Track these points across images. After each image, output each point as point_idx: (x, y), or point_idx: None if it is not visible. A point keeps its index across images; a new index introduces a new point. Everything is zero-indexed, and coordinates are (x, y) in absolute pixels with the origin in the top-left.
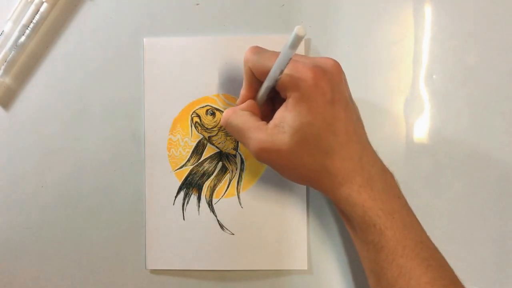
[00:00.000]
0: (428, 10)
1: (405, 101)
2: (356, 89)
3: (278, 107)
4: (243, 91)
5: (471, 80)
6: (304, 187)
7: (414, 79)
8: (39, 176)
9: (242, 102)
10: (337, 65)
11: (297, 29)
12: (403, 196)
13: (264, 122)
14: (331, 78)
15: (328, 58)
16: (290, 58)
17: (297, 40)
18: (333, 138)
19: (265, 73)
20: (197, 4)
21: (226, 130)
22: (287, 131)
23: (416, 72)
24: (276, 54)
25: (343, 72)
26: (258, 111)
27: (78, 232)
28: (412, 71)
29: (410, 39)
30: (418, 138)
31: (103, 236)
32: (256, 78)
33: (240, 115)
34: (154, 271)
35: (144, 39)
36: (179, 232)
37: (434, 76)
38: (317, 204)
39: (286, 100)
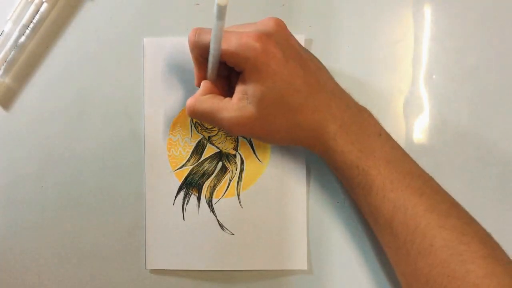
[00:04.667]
0: (428, 10)
1: (405, 101)
2: (356, 89)
3: (234, 79)
4: (195, 73)
5: (471, 80)
6: (304, 187)
7: (414, 79)
8: (39, 176)
9: (198, 82)
10: (279, 23)
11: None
12: (385, 132)
13: (228, 99)
14: (277, 38)
15: (269, 18)
16: (223, 30)
17: (220, 10)
18: (297, 94)
19: (207, 51)
20: (197, 4)
21: (194, 118)
22: (251, 101)
23: (416, 72)
24: None
25: (286, 27)
26: (215, 90)
27: (78, 232)
28: (412, 71)
29: (410, 39)
30: (418, 138)
31: (103, 236)
32: (203, 58)
33: (203, 101)
34: (154, 271)
35: (144, 39)
36: (179, 232)
37: (434, 76)
38: (317, 205)
39: (242, 73)
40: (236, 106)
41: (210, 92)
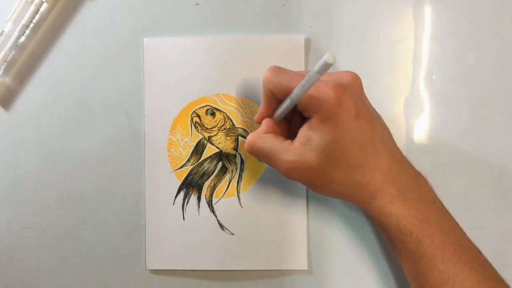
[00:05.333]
0: (428, 10)
1: (405, 101)
2: None
3: (293, 120)
4: (262, 109)
5: (471, 80)
6: (304, 187)
7: (414, 79)
8: (39, 176)
9: (260, 119)
10: (356, 78)
11: (326, 56)
12: (438, 200)
13: (289, 141)
14: (352, 92)
15: (347, 71)
16: (316, 82)
17: (325, 67)
18: (361, 152)
19: (286, 93)
20: (197, 4)
21: (252, 154)
22: (314, 149)
23: (416, 72)
24: (297, 74)
25: (361, 82)
26: (277, 129)
27: (78, 232)
28: (412, 71)
29: (410, 39)
30: (418, 138)
31: (103, 236)
32: (275, 97)
33: (264, 139)
34: (154, 271)
35: (144, 39)
36: (179, 232)
37: (434, 76)
38: (317, 204)
39: (310, 119)
40: (297, 150)
41: (272, 131)
